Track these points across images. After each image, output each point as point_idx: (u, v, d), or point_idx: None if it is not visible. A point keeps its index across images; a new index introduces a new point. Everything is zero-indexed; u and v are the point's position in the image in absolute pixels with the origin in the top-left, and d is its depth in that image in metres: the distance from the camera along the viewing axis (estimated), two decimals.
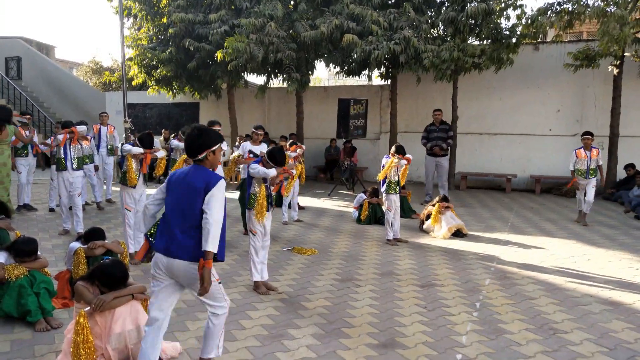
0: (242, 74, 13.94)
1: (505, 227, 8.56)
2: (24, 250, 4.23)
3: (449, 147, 11.34)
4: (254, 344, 3.76)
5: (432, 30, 11.50)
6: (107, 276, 3.41)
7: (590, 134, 8.82)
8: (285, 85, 13.25)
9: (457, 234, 7.71)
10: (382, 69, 13.28)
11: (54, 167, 7.97)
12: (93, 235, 4.64)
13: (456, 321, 4.30)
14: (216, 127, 7.12)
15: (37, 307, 3.98)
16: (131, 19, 14.51)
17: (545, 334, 4.06)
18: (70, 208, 7.25)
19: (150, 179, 6.48)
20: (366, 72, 13.48)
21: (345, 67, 13.36)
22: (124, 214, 6.02)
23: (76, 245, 4.57)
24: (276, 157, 4.95)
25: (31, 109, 18.03)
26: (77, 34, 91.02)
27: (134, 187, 5.99)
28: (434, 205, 8.05)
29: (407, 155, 7.23)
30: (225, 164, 13.16)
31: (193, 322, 4.14)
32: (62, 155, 7.13)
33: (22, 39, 22.39)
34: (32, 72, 20.85)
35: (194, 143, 3.10)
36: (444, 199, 8.16)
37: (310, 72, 13.38)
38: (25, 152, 8.82)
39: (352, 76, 14.21)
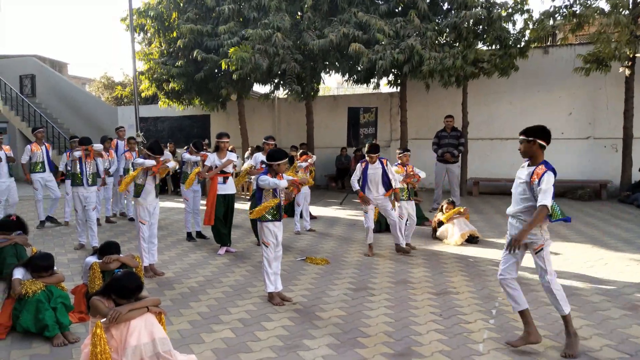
0: (249, 84, 14.04)
1: None
2: (41, 265, 4.28)
3: (460, 154, 11.30)
4: (270, 355, 3.75)
5: (438, 37, 11.52)
6: (121, 287, 3.43)
7: None
8: (287, 95, 13.35)
9: (471, 239, 7.66)
10: (391, 77, 13.31)
11: (68, 182, 8.08)
12: (108, 249, 4.68)
13: (472, 329, 4.26)
14: (224, 139, 7.16)
15: (55, 321, 4.02)
16: (142, 34, 14.72)
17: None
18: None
19: (162, 192, 6.51)
20: (374, 80, 13.52)
21: (354, 76, 13.41)
22: (138, 227, 6.06)
23: (92, 259, 4.62)
24: (274, 156, 4.98)
25: (45, 125, 18.29)
26: (89, 50, 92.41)
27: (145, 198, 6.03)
28: (442, 211, 8.02)
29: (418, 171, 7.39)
30: (236, 175, 13.27)
31: (208, 335, 4.15)
32: (78, 171, 7.24)
33: (36, 57, 22.81)
34: (45, 89, 21.19)
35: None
36: (452, 202, 8.12)
37: (316, 82, 13.44)
38: (41, 168, 8.91)
39: (361, 84, 14.26)
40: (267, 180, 4.86)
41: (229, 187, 7.16)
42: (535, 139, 3.93)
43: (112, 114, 19.72)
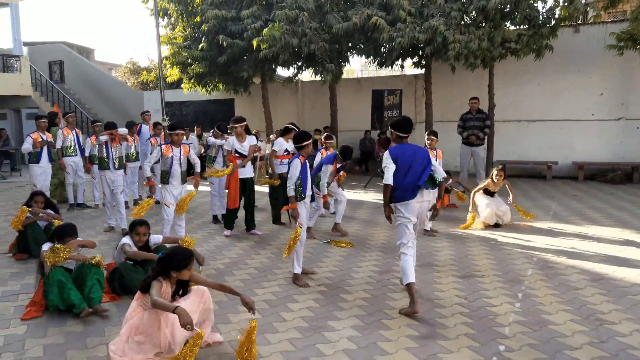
0: (273, 66, 14.00)
1: (547, 215, 8.35)
2: (64, 231, 4.44)
3: (486, 136, 11.11)
4: (295, 336, 3.81)
5: (463, 17, 11.26)
6: (178, 261, 3.48)
7: None
8: (318, 77, 13.26)
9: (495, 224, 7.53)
10: (415, 59, 13.11)
11: (96, 166, 8.25)
12: (136, 226, 4.79)
13: (498, 312, 4.24)
14: (240, 124, 7.05)
15: (80, 299, 4.16)
16: (166, 19, 14.80)
17: (592, 324, 3.95)
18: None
19: (189, 175, 6.57)
20: (399, 62, 13.34)
21: (378, 58, 13.26)
22: (163, 210, 6.17)
23: (125, 239, 4.75)
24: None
25: (74, 110, 18.63)
26: (115, 36, 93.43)
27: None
28: (492, 179, 7.58)
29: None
30: (261, 158, 13.34)
31: (235, 315, 4.23)
32: (105, 155, 7.39)
33: (64, 44, 23.22)
34: (73, 75, 21.58)
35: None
36: (502, 169, 7.66)
37: (343, 64, 13.34)
38: (73, 152, 9.08)
39: (385, 67, 14.10)
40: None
41: (247, 171, 7.14)
42: (393, 130, 4.56)
43: (138, 99, 19.99)
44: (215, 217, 8.18)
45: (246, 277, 5.27)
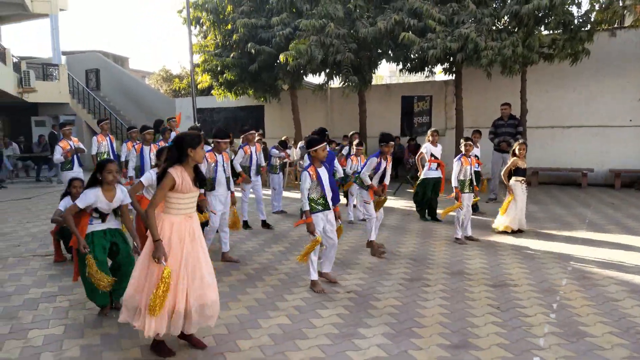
0: (302, 75, 14.13)
1: (582, 224, 8.14)
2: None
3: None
4: (325, 342, 3.80)
5: (496, 22, 11.11)
6: (192, 138, 3.48)
7: None
8: (345, 84, 13.30)
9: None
10: (446, 65, 13.01)
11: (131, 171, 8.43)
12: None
13: (532, 323, 4.14)
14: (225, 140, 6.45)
15: (106, 297, 4.32)
16: (198, 28, 15.10)
17: (632, 338, 3.82)
18: None
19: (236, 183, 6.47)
20: (428, 68, 13.26)
21: (408, 65, 13.20)
22: (209, 217, 6.01)
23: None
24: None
25: (109, 117, 19.14)
26: (148, 44, 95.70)
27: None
28: (516, 154, 7.51)
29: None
30: (290, 164, 13.38)
31: (265, 320, 4.25)
32: (140, 163, 7.58)
33: (100, 53, 23.91)
34: (109, 83, 22.20)
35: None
36: (524, 143, 7.60)
37: (372, 71, 13.34)
38: (107, 157, 9.33)
39: (415, 73, 14.03)
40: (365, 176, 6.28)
41: None
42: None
43: (170, 106, 20.41)
44: (245, 223, 8.25)
45: (276, 283, 5.30)
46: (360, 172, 6.48)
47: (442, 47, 10.30)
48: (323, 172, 5.07)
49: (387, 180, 6.57)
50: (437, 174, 8.57)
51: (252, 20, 12.67)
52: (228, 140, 6.20)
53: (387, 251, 6.55)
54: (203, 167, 5.92)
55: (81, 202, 4.20)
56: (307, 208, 4.94)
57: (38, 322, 4.22)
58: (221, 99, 15.85)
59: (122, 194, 4.38)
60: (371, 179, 6.39)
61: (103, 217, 4.36)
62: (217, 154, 6.09)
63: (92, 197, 4.21)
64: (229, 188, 6.14)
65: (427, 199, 8.63)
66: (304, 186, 4.95)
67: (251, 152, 8.00)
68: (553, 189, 12.22)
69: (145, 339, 3.77)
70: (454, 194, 7.07)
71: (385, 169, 6.48)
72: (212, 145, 6.19)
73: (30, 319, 4.29)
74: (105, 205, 4.29)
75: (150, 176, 4.94)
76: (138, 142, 8.33)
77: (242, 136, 8.10)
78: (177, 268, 3.45)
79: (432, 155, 8.57)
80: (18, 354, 3.62)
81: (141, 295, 3.43)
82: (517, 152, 7.50)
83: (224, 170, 6.10)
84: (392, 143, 6.40)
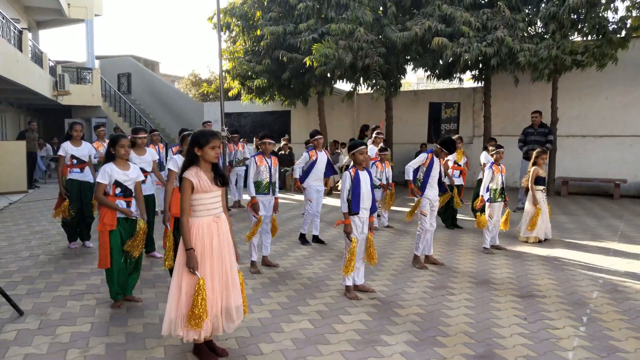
0: (332, 81, 14.15)
1: (614, 236, 7.91)
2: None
3: (549, 151, 10.69)
4: (348, 349, 3.78)
5: (529, 28, 10.95)
6: (199, 135, 3.46)
7: None
8: (372, 90, 13.27)
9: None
10: (475, 71, 12.86)
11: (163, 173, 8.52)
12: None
13: (561, 335, 4.03)
14: (140, 135, 6.46)
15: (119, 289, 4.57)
16: (227, 33, 15.29)
17: None
18: None
19: (281, 188, 6.48)
20: (457, 75, 13.13)
21: (436, 71, 13.09)
22: (252, 220, 5.94)
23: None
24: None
25: (139, 120, 19.55)
26: (179, 49, 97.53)
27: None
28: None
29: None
30: (341, 169, 13.45)
31: (287, 324, 4.25)
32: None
33: (132, 57, 24.45)
34: (140, 86, 22.68)
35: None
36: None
37: (401, 76, 13.28)
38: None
39: (443, 80, 13.90)
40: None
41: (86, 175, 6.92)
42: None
43: (199, 110, 20.72)
44: (315, 237, 7.90)
45: (299, 287, 5.29)
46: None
47: (477, 52, 10.20)
48: (364, 176, 4.94)
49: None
50: (459, 181, 8.53)
51: (280, 28, 12.76)
52: (272, 142, 6.08)
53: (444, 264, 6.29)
54: (252, 170, 6.00)
55: (101, 177, 4.54)
56: (346, 210, 4.91)
57: (66, 319, 4.31)
58: (247, 102, 15.98)
59: (135, 169, 4.80)
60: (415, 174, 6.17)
61: (127, 194, 4.66)
62: (265, 158, 6.00)
63: (107, 170, 4.58)
64: (273, 193, 6.03)
65: (450, 207, 8.52)
66: (344, 186, 4.93)
67: (317, 157, 7.40)
68: (583, 199, 11.92)
69: (170, 339, 3.82)
70: (478, 201, 6.99)
71: (440, 172, 6.21)
72: (259, 148, 6.13)
73: (58, 316, 4.39)
74: (123, 176, 4.63)
75: (176, 162, 4.97)
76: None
77: (311, 140, 7.63)
78: (210, 272, 3.46)
79: (454, 162, 8.51)
80: (46, 350, 3.70)
81: (178, 304, 3.42)
82: (538, 160, 7.39)
83: (270, 174, 5.97)
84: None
